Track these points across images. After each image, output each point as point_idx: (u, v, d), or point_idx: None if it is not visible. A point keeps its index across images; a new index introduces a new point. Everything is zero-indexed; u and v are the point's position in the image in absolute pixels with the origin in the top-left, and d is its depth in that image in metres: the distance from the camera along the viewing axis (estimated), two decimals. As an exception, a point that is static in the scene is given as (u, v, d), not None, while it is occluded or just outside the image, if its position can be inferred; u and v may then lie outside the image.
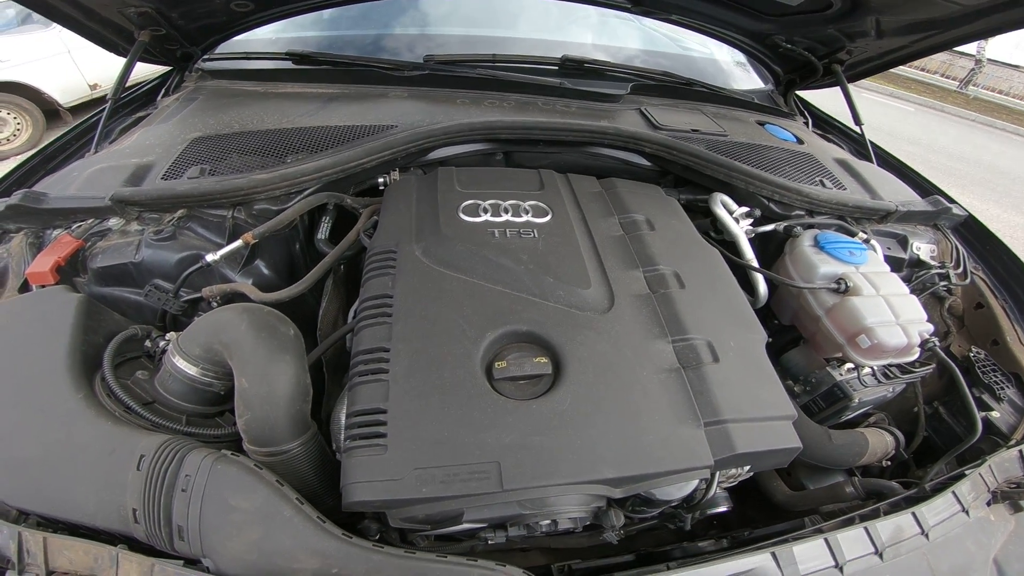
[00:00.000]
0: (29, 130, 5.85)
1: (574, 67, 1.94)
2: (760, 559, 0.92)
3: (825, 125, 2.60)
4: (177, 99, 1.89)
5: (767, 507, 1.47)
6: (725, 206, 1.59)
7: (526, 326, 1.06)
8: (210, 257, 1.29)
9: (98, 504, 0.86)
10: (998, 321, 1.60)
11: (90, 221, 1.35)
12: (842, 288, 1.37)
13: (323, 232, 1.49)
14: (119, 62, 1.84)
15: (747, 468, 1.08)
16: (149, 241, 1.29)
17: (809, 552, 0.95)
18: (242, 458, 0.90)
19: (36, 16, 6.12)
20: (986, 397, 1.52)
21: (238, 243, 1.31)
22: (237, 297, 1.29)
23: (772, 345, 1.44)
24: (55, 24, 5.80)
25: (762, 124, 2.04)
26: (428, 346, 0.99)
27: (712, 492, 1.05)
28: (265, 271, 1.42)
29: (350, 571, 0.80)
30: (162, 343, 1.16)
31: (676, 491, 1.02)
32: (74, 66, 6.12)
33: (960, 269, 1.72)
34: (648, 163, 1.67)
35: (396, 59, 1.93)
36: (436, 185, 1.39)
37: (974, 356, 1.60)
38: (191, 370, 1.03)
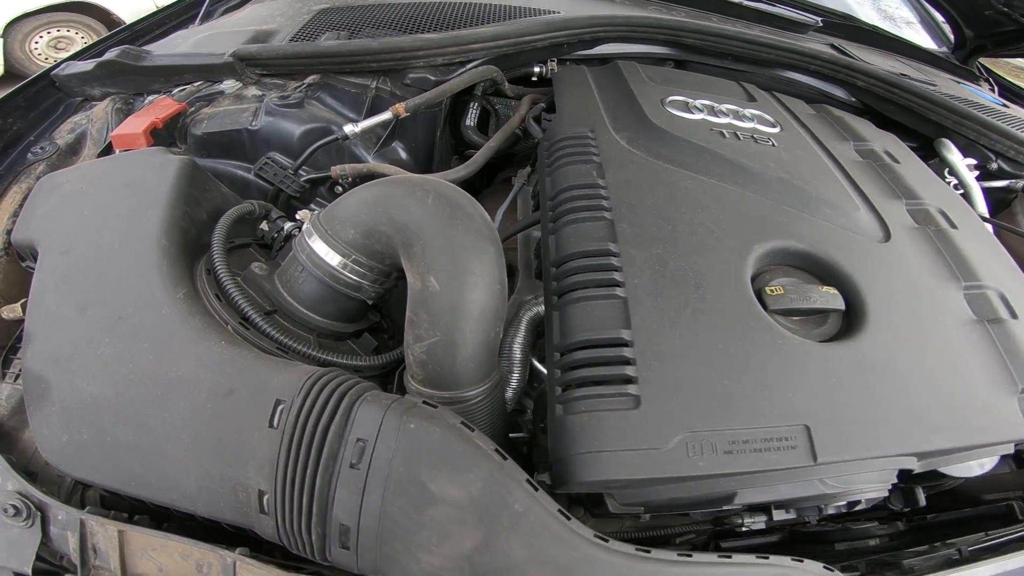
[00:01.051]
0: None
1: None
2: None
3: (1009, 94, 2.18)
4: None
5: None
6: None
7: (802, 243, 0.80)
8: (349, 128, 1.00)
9: (203, 479, 0.58)
10: None
11: (197, 84, 1.09)
12: None
13: (471, 118, 1.24)
14: None
15: None
16: (272, 107, 1.02)
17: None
18: (443, 411, 0.61)
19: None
20: None
21: (386, 115, 1.03)
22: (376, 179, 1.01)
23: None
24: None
25: (958, 83, 1.79)
26: (674, 254, 0.74)
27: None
28: (403, 154, 1.16)
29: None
30: (287, 225, 0.87)
31: (977, 467, 0.83)
32: None
33: None
34: (850, 99, 1.45)
35: None
36: (622, 77, 1.14)
37: None
38: (335, 260, 0.73)
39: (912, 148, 1.27)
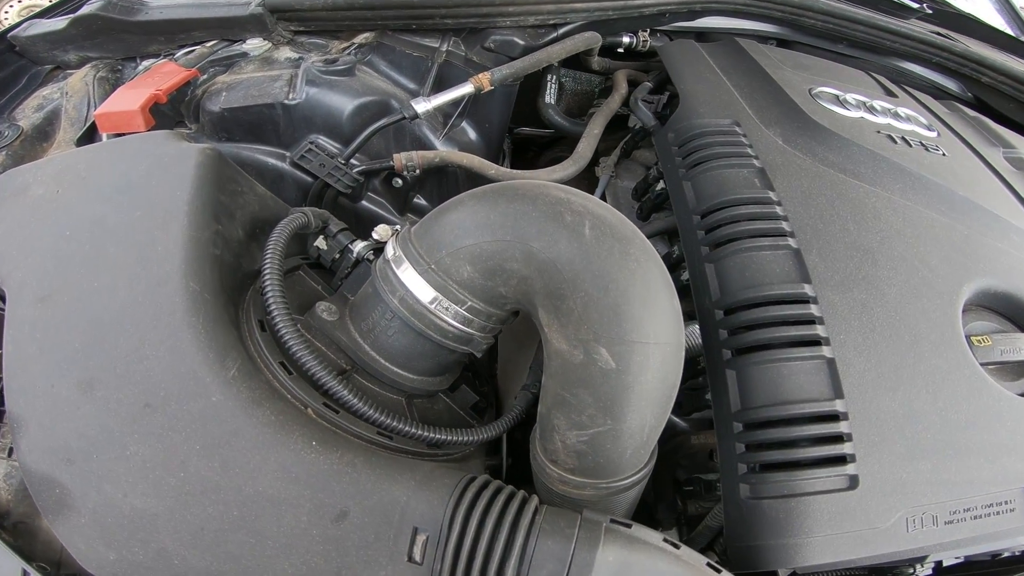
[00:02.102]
0: None
1: None
2: None
3: None
4: None
5: None
6: None
7: (1005, 284, 0.67)
8: (422, 106, 0.73)
9: None
10: None
11: (212, 44, 0.80)
12: None
13: (550, 94, 0.97)
14: None
15: None
16: (315, 75, 0.75)
17: None
18: (642, 531, 0.46)
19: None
20: None
21: (466, 87, 0.77)
22: (448, 171, 0.81)
23: None
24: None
25: None
26: (880, 299, 0.61)
27: None
28: (473, 135, 0.89)
29: None
30: (357, 247, 0.61)
31: None
32: None
33: None
34: (965, 94, 1.31)
35: None
36: (749, 58, 0.95)
37: None
38: (442, 308, 0.50)
39: None
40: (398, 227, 0.59)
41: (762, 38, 1.23)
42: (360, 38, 0.81)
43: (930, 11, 1.50)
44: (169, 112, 0.74)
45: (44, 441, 0.47)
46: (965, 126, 1.04)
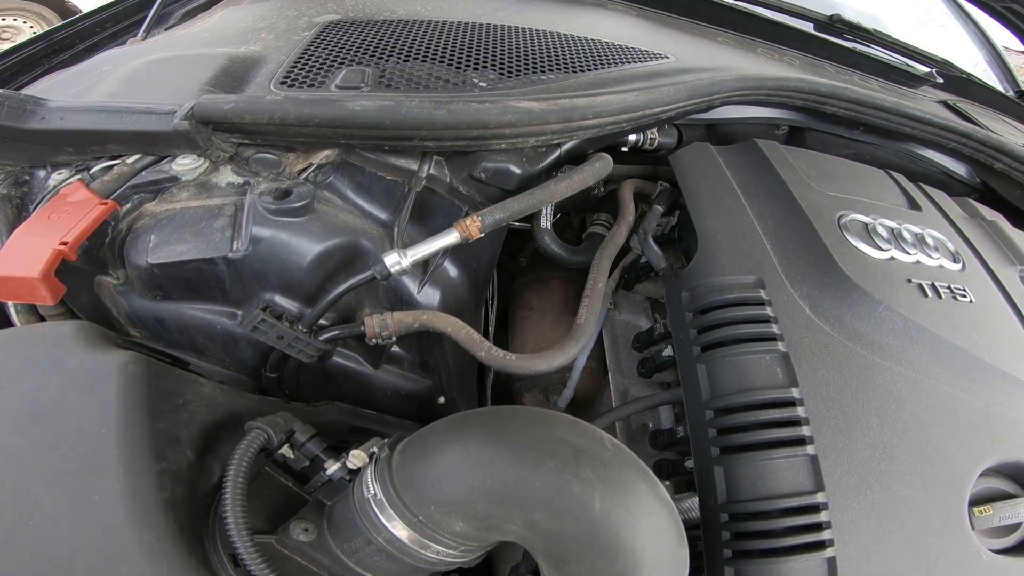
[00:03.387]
0: None
1: (844, 30, 1.46)
2: None
3: None
4: None
5: None
6: None
7: (1018, 455, 0.66)
8: (393, 263, 0.61)
9: None
10: None
11: (133, 159, 0.65)
12: None
13: (547, 216, 0.84)
14: None
15: None
16: (264, 215, 0.60)
17: None
18: None
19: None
20: None
21: (450, 237, 0.64)
22: (433, 340, 0.72)
23: None
24: None
25: None
26: (892, 499, 0.60)
27: None
28: (454, 274, 0.77)
29: None
30: (330, 469, 0.55)
31: None
32: None
33: None
34: (973, 179, 1.28)
35: None
36: (773, 172, 0.87)
37: None
38: (434, 552, 0.50)
39: None
40: (374, 450, 0.52)
41: (770, 127, 1.16)
42: (320, 156, 0.66)
43: (941, 80, 1.47)
44: (84, 265, 0.60)
45: None
46: (985, 241, 1.00)
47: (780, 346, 0.62)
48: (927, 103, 1.39)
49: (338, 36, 0.85)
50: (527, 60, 0.83)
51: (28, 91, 0.76)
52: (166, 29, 1.09)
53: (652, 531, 0.46)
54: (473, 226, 0.63)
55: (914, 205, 0.97)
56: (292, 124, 0.62)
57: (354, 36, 0.85)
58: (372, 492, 0.49)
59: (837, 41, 1.39)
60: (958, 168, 1.26)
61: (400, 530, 0.48)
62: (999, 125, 1.51)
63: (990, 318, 0.80)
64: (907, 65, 1.48)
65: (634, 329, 0.82)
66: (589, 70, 0.84)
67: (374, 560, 0.51)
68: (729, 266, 0.70)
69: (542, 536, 0.45)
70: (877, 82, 1.41)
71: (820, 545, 0.53)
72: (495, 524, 0.46)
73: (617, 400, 0.74)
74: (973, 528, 0.61)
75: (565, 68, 0.82)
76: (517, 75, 0.80)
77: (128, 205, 0.64)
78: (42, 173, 0.71)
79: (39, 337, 0.51)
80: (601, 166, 0.74)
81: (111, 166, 0.67)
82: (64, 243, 0.55)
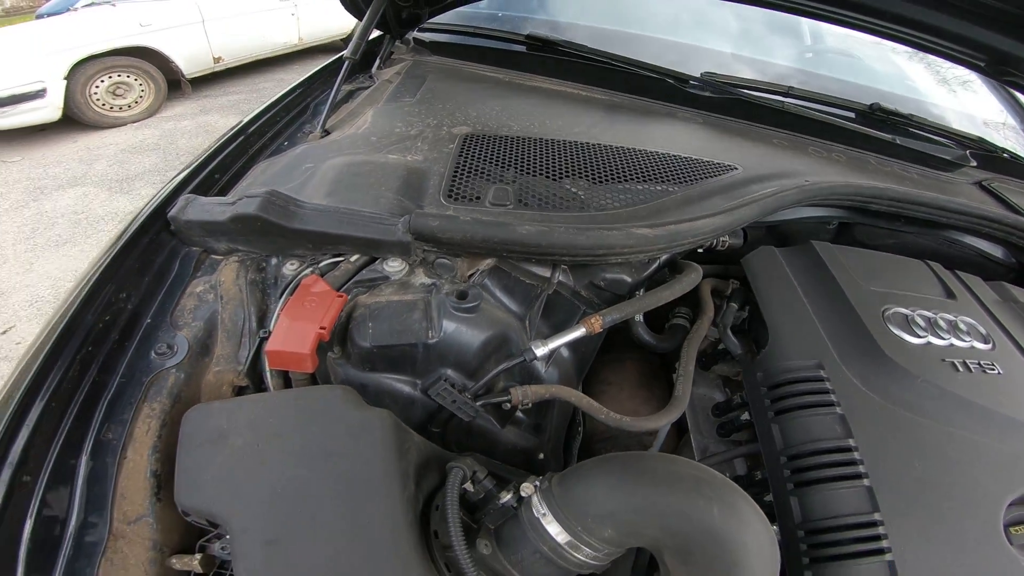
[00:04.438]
0: (151, 98, 5.82)
1: (882, 117, 1.61)
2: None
3: None
4: (398, 73, 1.55)
5: None
6: None
7: None
8: (540, 350, 0.83)
9: None
10: None
11: (355, 259, 0.91)
12: None
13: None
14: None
15: None
16: (450, 312, 0.84)
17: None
18: None
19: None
20: None
21: (580, 331, 0.87)
22: (546, 408, 0.95)
23: None
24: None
25: None
26: (939, 522, 0.77)
27: None
28: (569, 362, 1.00)
29: None
30: (505, 498, 0.73)
31: None
32: (204, 37, 6.08)
33: None
34: (1009, 260, 1.43)
35: (671, 68, 1.60)
36: (827, 272, 1.07)
37: None
38: (586, 554, 0.67)
39: None
40: (537, 483, 0.72)
41: (821, 224, 1.34)
42: (484, 264, 0.91)
43: (975, 163, 1.60)
44: (325, 345, 0.85)
45: None
46: (1015, 322, 1.12)
47: (838, 410, 0.81)
48: (964, 187, 1.54)
49: (475, 150, 1.10)
50: (612, 171, 1.07)
51: (245, 182, 1.02)
52: (322, 119, 1.34)
53: (755, 533, 0.63)
54: (596, 323, 0.85)
55: (950, 294, 1.13)
56: (477, 243, 0.86)
57: (487, 151, 1.11)
58: (541, 511, 0.67)
59: (877, 135, 1.55)
60: (994, 251, 1.41)
61: (562, 537, 0.66)
62: None
63: (1016, 384, 0.95)
64: (943, 149, 1.62)
65: (709, 400, 1.01)
66: (674, 184, 1.06)
67: (535, 567, 0.68)
68: (795, 352, 0.90)
69: (672, 535, 0.63)
70: (916, 170, 1.56)
71: (880, 551, 0.70)
72: (636, 530, 0.64)
73: (698, 455, 0.93)
74: (1011, 543, 0.75)
75: (647, 179, 1.06)
76: (604, 183, 1.04)
77: (348, 297, 0.89)
78: (274, 261, 0.96)
79: (320, 397, 0.74)
80: (695, 277, 0.96)
81: (336, 262, 0.93)
82: (323, 328, 0.80)
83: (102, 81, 5.48)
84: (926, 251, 1.37)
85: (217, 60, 6.34)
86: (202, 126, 5.66)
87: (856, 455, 0.77)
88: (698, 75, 1.56)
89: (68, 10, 6.89)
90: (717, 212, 0.98)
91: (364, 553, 0.62)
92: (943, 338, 0.96)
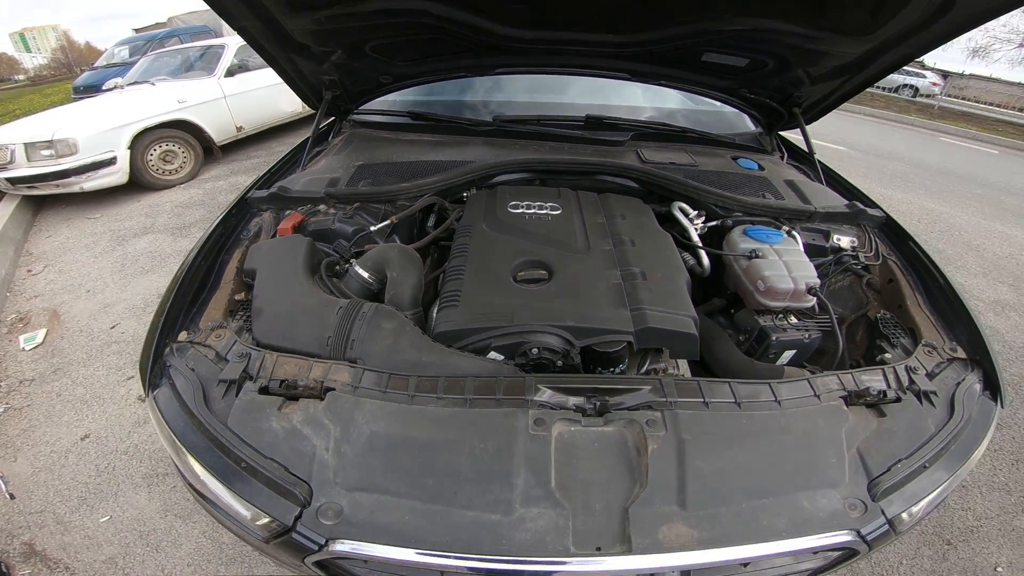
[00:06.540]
0: (191, 163, 6.88)
1: (595, 122, 2.74)
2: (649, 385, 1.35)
3: (800, 158, 3.29)
4: (341, 140, 3.05)
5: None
6: (683, 211, 2.23)
7: (537, 256, 1.77)
8: (373, 228, 2.28)
9: (311, 337, 1.45)
10: (902, 291, 1.98)
11: (308, 206, 2.40)
12: (752, 255, 2.03)
13: (431, 221, 2.51)
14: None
15: (668, 352, 1.62)
16: (339, 220, 2.29)
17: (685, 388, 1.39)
18: (386, 306, 1.63)
19: (199, 64, 7.64)
20: (884, 344, 1.88)
21: (387, 222, 2.30)
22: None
23: (727, 307, 2.15)
24: (216, 72, 7.47)
25: (735, 158, 2.69)
26: (485, 266, 1.70)
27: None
28: (397, 239, 2.41)
29: (439, 363, 1.44)
30: (348, 267, 2.13)
31: (610, 347, 1.46)
32: (227, 110, 7.25)
33: (872, 252, 2.16)
34: (636, 185, 2.36)
35: (476, 119, 2.89)
36: (496, 195, 2.20)
37: (881, 317, 1.95)
38: (365, 274, 1.94)
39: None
40: (355, 261, 2.18)
41: (529, 180, 2.59)
42: (355, 204, 2.39)
43: (629, 139, 2.78)
44: (298, 229, 2.32)
45: (264, 312, 1.76)
46: (588, 205, 2.32)
47: (470, 234, 2.13)
48: (628, 153, 2.53)
49: (363, 170, 2.47)
50: (424, 172, 2.55)
51: (282, 183, 2.52)
52: (303, 166, 2.86)
53: (409, 262, 2.03)
54: (393, 217, 2.32)
55: (558, 196, 2.14)
56: (347, 195, 2.33)
57: (368, 170, 2.51)
58: (357, 263, 2.04)
59: (582, 134, 2.65)
60: (630, 183, 2.33)
61: (358, 267, 1.86)
62: (674, 154, 2.60)
63: (556, 224, 1.90)
64: (620, 134, 2.66)
65: None
66: (439, 174, 2.47)
67: (350, 284, 1.83)
68: (468, 220, 2.20)
69: (386, 260, 1.92)
70: (593, 148, 2.57)
71: (457, 302, 1.85)
72: (377, 261, 1.94)
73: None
74: (516, 280, 1.71)
75: (429, 175, 2.49)
76: (420, 177, 2.51)
77: (306, 218, 2.35)
78: (283, 211, 2.44)
79: (288, 237, 2.22)
80: (429, 199, 2.38)
81: (303, 208, 2.42)
82: (294, 223, 2.27)
83: (154, 150, 6.38)
84: (588, 187, 2.31)
85: (239, 129, 7.51)
86: (234, 185, 6.62)
87: (468, 245, 1.84)
88: (491, 119, 2.88)
89: (103, 84, 8.07)
90: (436, 177, 2.33)
91: (291, 267, 1.77)
92: (531, 209, 2.03)
